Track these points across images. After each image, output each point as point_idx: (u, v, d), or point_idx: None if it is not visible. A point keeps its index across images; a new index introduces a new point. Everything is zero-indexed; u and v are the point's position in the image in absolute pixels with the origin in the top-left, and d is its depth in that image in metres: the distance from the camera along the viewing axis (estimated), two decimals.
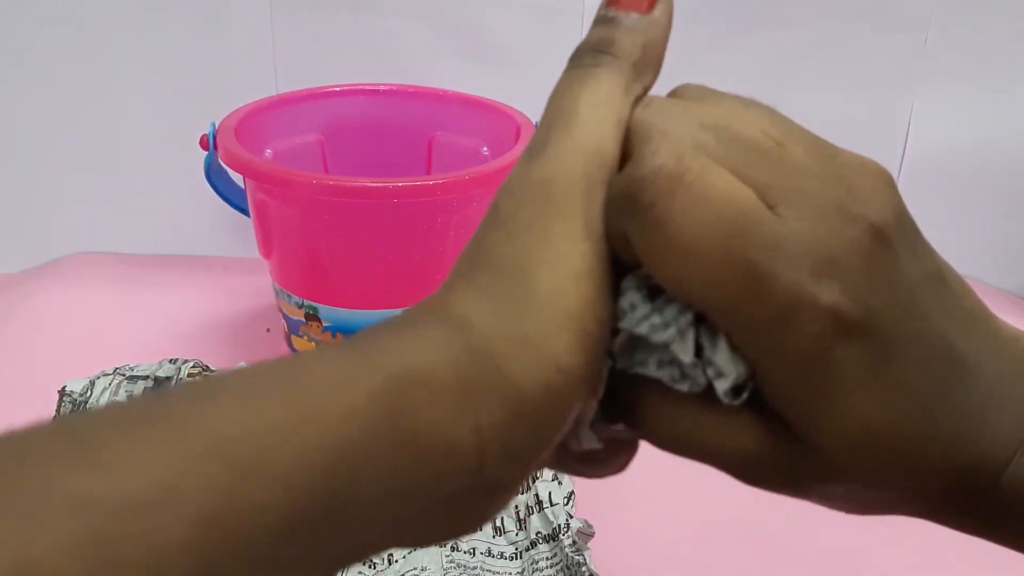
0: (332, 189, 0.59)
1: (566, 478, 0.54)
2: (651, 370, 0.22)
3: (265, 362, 0.18)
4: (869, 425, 0.19)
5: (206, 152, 0.67)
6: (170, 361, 0.61)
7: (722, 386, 0.21)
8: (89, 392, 0.58)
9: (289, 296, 0.67)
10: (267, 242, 0.67)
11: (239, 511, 0.15)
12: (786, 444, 0.20)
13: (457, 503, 0.20)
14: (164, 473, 0.15)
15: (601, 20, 0.24)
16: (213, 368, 0.62)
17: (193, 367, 0.60)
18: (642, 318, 0.21)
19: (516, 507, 0.54)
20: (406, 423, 0.18)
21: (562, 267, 0.20)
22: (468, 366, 0.19)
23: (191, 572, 0.15)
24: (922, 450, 0.20)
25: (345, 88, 0.77)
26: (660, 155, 0.19)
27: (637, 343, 0.22)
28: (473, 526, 0.21)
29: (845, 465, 0.20)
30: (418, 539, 0.21)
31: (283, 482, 0.16)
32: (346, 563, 0.19)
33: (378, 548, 0.20)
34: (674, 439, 0.22)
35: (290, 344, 0.71)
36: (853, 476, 0.20)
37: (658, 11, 0.23)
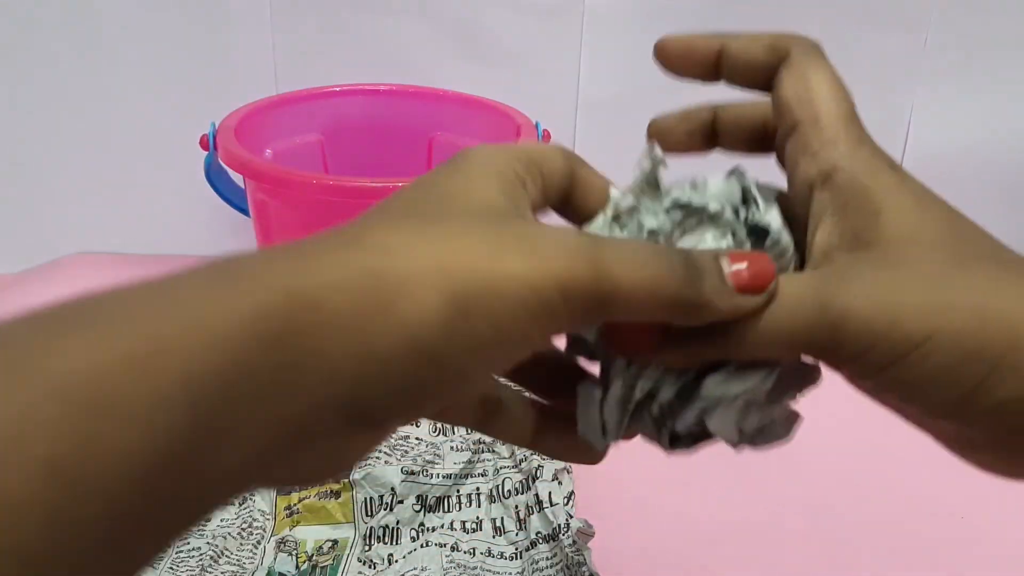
0: (332, 189, 0.59)
1: (566, 478, 0.54)
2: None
3: (122, 287, 0.17)
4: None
5: (206, 152, 0.67)
6: None
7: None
8: None
9: None
10: (267, 242, 0.67)
11: (89, 457, 0.14)
12: None
13: (334, 439, 0.19)
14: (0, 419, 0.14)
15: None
16: None
17: None
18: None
19: (516, 507, 0.54)
20: (286, 352, 0.17)
21: (478, 202, 0.20)
22: (370, 290, 0.18)
23: (39, 526, 0.14)
24: None
25: (345, 88, 0.77)
26: None
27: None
28: (341, 467, 0.21)
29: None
30: (284, 478, 0.20)
31: (139, 422, 0.15)
32: (213, 505, 0.17)
33: (245, 487, 0.18)
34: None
35: None
36: None
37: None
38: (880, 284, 0.20)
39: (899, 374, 0.20)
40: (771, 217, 0.23)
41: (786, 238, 0.23)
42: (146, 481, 0.15)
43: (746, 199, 0.24)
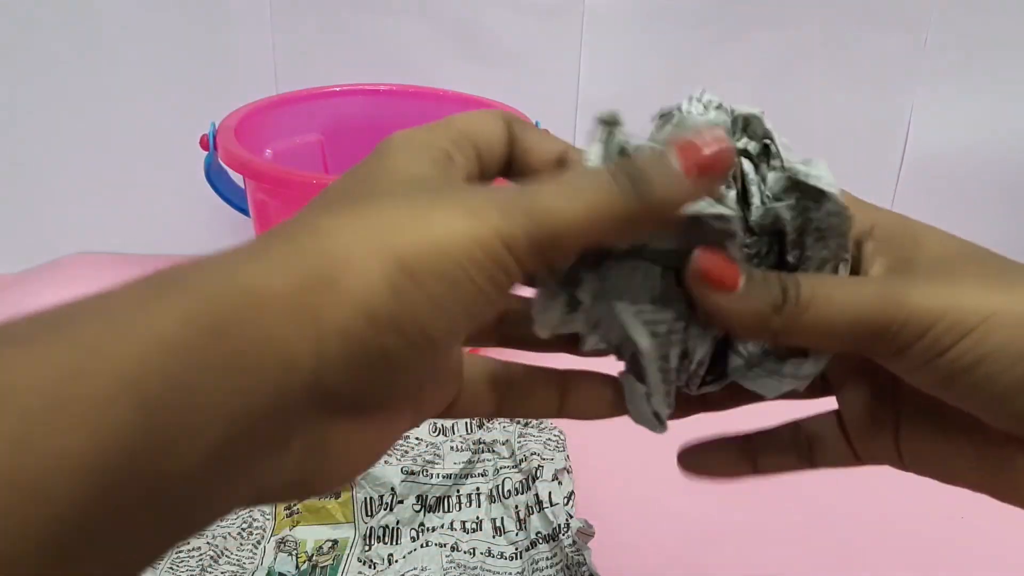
0: None
1: (566, 478, 0.54)
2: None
3: (61, 305, 0.17)
4: None
5: (206, 152, 0.67)
6: None
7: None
8: None
9: None
10: None
11: (37, 465, 0.14)
12: None
13: (310, 433, 0.19)
14: None
15: None
16: None
17: None
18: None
19: (516, 507, 0.54)
20: (233, 342, 0.17)
21: (406, 176, 0.21)
22: (311, 270, 0.18)
23: None
24: None
25: (345, 88, 0.77)
26: None
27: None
28: (340, 472, 0.20)
29: None
30: (272, 486, 0.19)
31: (86, 425, 0.15)
32: (185, 514, 0.17)
33: (224, 496, 0.18)
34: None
35: None
36: None
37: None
38: (936, 280, 0.22)
39: (959, 358, 0.21)
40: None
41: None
42: (98, 482, 0.15)
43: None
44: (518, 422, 0.59)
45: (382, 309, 0.18)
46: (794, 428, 0.28)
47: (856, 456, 0.27)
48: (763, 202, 0.24)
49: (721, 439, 0.28)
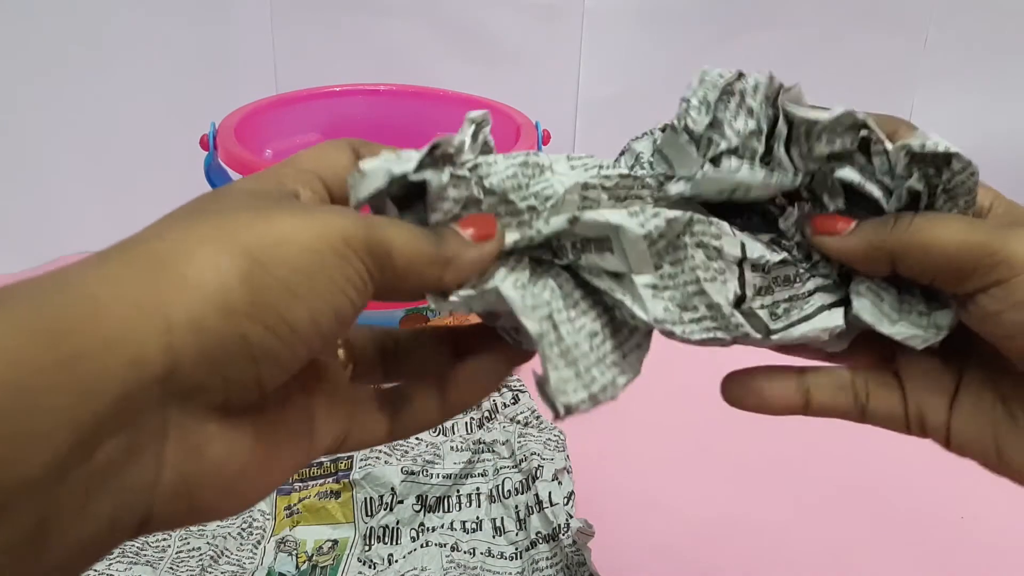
0: None
1: (566, 478, 0.54)
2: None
3: None
4: None
5: (206, 152, 0.67)
6: None
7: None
8: None
9: None
10: None
11: None
12: None
13: (185, 438, 0.19)
14: None
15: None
16: None
17: None
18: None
19: (516, 507, 0.54)
20: (69, 344, 0.16)
21: (252, 193, 0.21)
22: (155, 265, 0.18)
23: None
24: None
25: (345, 88, 0.77)
26: None
27: None
28: (247, 488, 0.20)
29: None
30: (119, 510, 0.18)
31: None
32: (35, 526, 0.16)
33: (91, 518, 0.17)
34: None
35: None
36: None
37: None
38: None
39: None
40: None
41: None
42: None
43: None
44: (518, 422, 0.59)
45: (235, 298, 0.18)
46: (852, 373, 0.28)
47: (907, 422, 0.27)
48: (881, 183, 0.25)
49: (773, 367, 0.28)
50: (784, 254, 0.26)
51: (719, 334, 0.25)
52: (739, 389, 0.27)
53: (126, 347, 0.17)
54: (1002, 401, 0.25)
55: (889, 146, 0.25)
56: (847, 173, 0.26)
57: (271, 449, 0.21)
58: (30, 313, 0.17)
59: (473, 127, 0.24)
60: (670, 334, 0.25)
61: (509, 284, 0.24)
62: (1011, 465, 0.25)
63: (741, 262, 0.26)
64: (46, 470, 0.16)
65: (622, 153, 0.28)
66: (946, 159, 0.24)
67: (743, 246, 0.26)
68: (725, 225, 0.26)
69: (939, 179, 0.24)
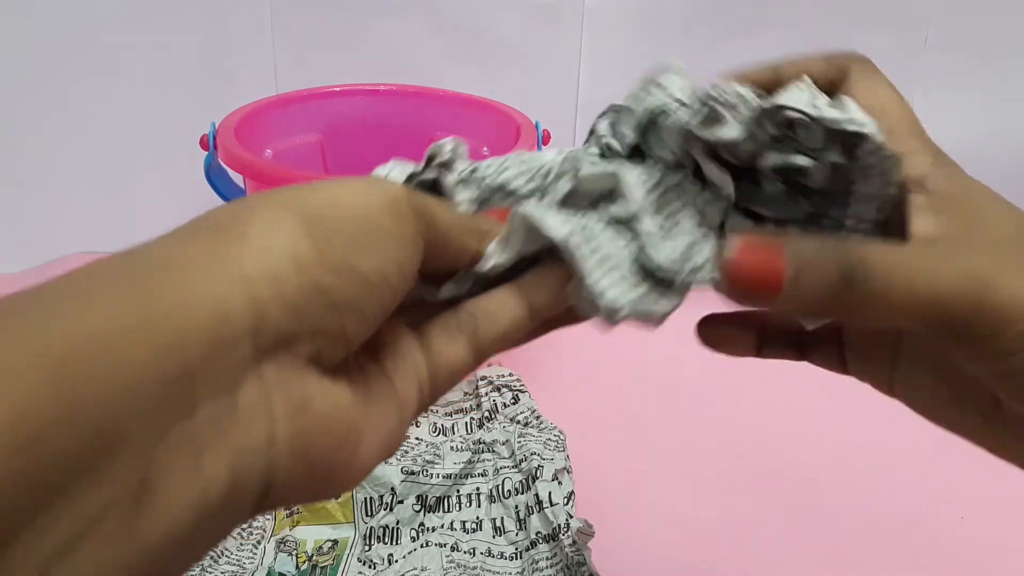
0: None
1: (566, 478, 0.54)
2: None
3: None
4: None
5: (206, 152, 0.67)
6: None
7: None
8: None
9: None
10: None
11: None
12: None
13: (249, 385, 0.18)
14: None
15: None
16: None
17: None
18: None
19: (516, 507, 0.54)
20: (155, 304, 0.17)
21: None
22: (222, 229, 0.19)
23: None
24: None
25: (345, 88, 0.77)
26: None
27: None
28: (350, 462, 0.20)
29: None
30: (230, 470, 0.18)
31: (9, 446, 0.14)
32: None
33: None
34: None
35: None
36: None
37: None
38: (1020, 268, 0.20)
39: None
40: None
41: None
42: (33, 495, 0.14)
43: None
44: (518, 422, 0.59)
45: (304, 250, 0.19)
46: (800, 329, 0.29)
47: (844, 367, 0.28)
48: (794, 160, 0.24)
49: (740, 319, 0.29)
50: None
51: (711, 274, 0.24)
52: (707, 334, 0.29)
53: (210, 303, 0.17)
54: (944, 378, 0.25)
55: (815, 113, 0.23)
56: (773, 159, 0.24)
57: (368, 408, 0.22)
58: (113, 284, 0.17)
59: (451, 145, 0.26)
60: (670, 283, 0.24)
61: (541, 209, 0.25)
62: (954, 427, 0.25)
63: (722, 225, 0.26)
64: (138, 424, 0.16)
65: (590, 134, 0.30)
66: (856, 138, 0.23)
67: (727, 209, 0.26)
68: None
69: (858, 153, 0.23)
